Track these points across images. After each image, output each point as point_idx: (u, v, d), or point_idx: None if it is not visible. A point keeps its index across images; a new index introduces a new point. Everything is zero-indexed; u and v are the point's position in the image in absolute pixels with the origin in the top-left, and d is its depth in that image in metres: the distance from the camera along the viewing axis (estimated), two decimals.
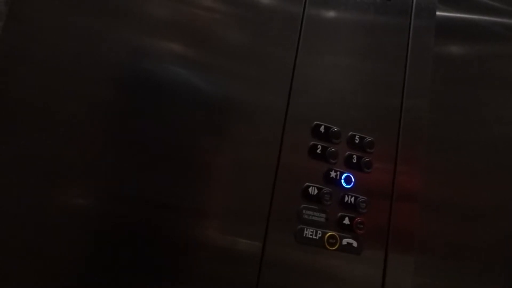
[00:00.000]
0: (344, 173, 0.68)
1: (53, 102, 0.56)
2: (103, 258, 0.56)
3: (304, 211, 0.65)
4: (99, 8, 0.59)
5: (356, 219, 0.67)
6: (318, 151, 0.67)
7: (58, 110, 0.56)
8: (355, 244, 0.67)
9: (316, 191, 0.66)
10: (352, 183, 0.68)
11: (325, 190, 0.66)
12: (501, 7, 0.88)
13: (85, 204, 0.56)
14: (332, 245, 0.66)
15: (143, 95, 0.60)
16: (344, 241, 0.67)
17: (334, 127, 0.69)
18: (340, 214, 0.67)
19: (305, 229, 0.65)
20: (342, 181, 0.68)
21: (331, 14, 0.73)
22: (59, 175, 0.55)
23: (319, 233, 0.65)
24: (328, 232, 0.66)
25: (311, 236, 0.65)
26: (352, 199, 0.68)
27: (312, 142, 0.68)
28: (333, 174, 0.68)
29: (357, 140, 0.70)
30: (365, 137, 0.71)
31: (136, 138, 0.59)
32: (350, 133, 0.70)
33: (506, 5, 0.88)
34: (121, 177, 0.57)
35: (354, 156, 0.69)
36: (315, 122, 0.68)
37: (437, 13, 0.80)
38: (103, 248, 0.56)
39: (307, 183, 0.66)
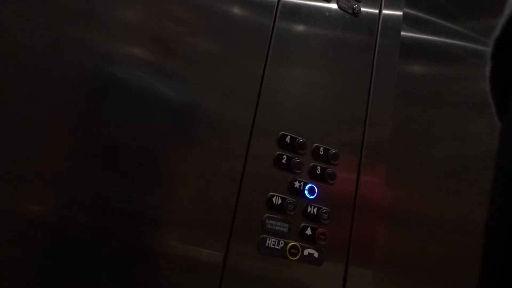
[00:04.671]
0: (308, 183, 0.69)
1: (12, 102, 0.54)
2: (60, 266, 0.54)
3: (267, 221, 0.65)
4: (66, 9, 0.58)
5: (318, 230, 0.68)
6: (283, 161, 0.68)
7: (17, 111, 0.54)
8: (316, 254, 0.67)
9: (280, 201, 0.66)
10: (316, 194, 0.69)
11: (289, 200, 0.66)
12: (462, 31, 0.92)
13: (42, 210, 0.54)
14: (294, 255, 0.66)
15: (108, 100, 0.58)
16: (306, 252, 0.67)
17: (300, 138, 0.70)
18: (302, 224, 0.68)
19: (268, 238, 0.65)
20: (306, 191, 0.69)
21: (300, 28, 0.74)
22: (15, 179, 0.53)
23: (282, 243, 0.65)
24: (290, 242, 0.66)
25: (273, 246, 0.65)
26: (315, 210, 0.68)
27: (277, 152, 0.68)
28: (297, 184, 0.68)
29: (321, 151, 0.71)
30: (330, 149, 0.72)
31: (98, 143, 0.57)
32: (315, 144, 0.71)
33: (466, 29, 0.93)
34: (81, 182, 0.56)
35: (318, 167, 0.70)
36: (281, 133, 0.69)
37: (402, 33, 0.84)
38: (60, 255, 0.54)
39: (271, 193, 0.66)
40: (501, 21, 0.30)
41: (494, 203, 0.26)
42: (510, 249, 0.24)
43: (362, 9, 0.80)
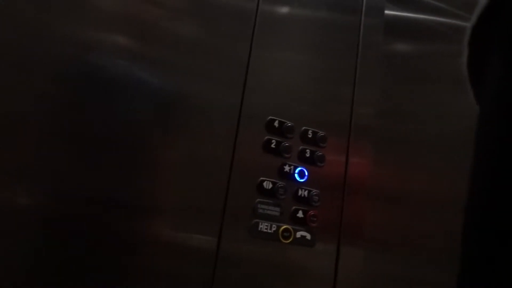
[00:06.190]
0: (297, 167, 0.69)
1: None
2: (52, 258, 0.54)
3: (259, 206, 0.66)
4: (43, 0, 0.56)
5: (310, 212, 0.68)
6: (272, 145, 0.68)
7: None
8: (308, 236, 0.68)
9: (270, 186, 0.67)
10: (306, 177, 0.70)
11: (279, 184, 0.67)
12: (446, 8, 0.92)
13: (30, 203, 0.53)
14: (287, 238, 0.67)
15: (91, 91, 0.58)
16: (298, 234, 0.68)
17: (288, 122, 0.70)
18: (294, 207, 0.68)
19: (260, 223, 0.65)
20: (296, 175, 0.69)
21: (284, 10, 0.73)
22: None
23: (274, 227, 0.66)
24: (282, 226, 0.67)
25: (265, 230, 0.65)
26: (306, 192, 0.69)
27: (266, 137, 0.68)
28: (287, 168, 0.68)
29: (310, 134, 0.71)
30: (318, 132, 0.72)
31: (85, 134, 0.57)
32: (303, 127, 0.71)
33: (450, 6, 0.93)
34: (69, 174, 0.55)
35: (307, 150, 0.71)
36: (269, 117, 0.69)
37: (386, 12, 0.83)
38: (50, 247, 0.54)
39: (261, 178, 0.67)
40: (477, 9, 0.29)
41: (472, 186, 0.27)
42: (486, 228, 0.24)
43: None
